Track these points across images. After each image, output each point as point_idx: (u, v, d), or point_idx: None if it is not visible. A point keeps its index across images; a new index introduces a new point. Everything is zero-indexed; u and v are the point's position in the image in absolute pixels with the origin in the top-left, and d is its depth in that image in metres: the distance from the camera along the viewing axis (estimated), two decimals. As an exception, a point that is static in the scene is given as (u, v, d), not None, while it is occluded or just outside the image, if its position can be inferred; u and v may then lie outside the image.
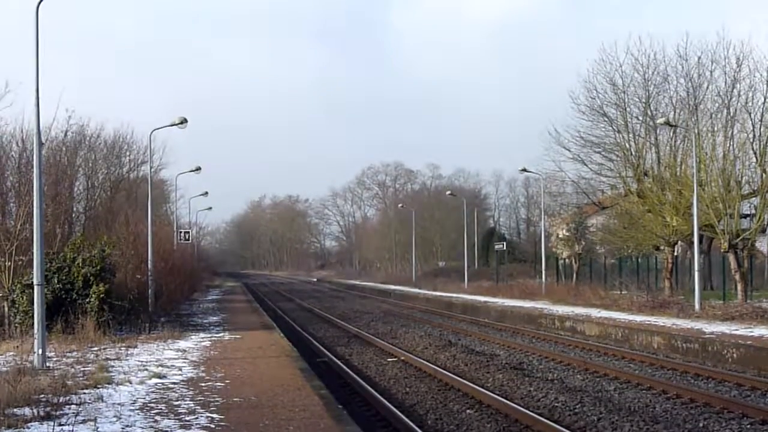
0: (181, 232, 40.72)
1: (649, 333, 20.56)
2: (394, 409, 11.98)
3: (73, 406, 10.57)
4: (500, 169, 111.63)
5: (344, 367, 17.17)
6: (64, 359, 15.74)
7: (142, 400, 11.27)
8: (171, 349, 17.71)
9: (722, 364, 16.96)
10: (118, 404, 10.91)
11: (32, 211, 15.61)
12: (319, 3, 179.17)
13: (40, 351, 14.31)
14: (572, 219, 43.93)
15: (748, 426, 11.09)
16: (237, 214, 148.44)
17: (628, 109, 35.50)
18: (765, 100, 29.16)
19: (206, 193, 49.34)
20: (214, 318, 28.20)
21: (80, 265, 20.25)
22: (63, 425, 9.30)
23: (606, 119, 35.83)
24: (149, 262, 26.40)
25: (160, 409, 10.61)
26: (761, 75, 29.81)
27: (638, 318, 24.48)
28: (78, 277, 20.05)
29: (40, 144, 14.90)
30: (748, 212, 30.88)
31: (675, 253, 34.62)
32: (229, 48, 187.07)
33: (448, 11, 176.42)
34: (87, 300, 19.89)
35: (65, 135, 34.19)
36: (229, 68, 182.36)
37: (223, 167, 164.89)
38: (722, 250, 28.38)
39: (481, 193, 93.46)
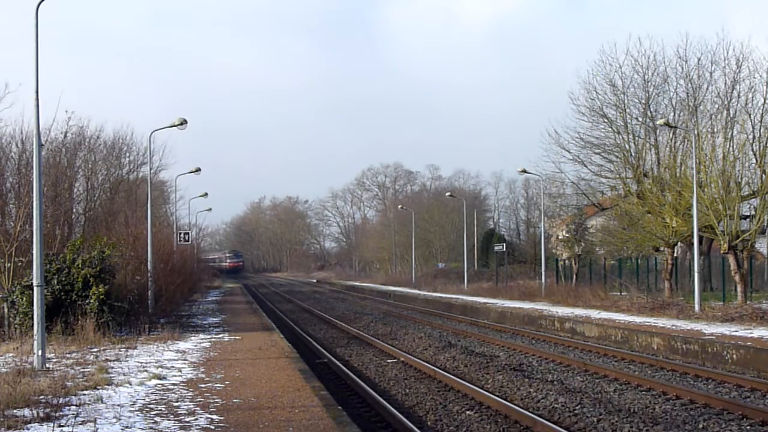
0: (180, 233, 40.70)
1: (649, 334, 20.56)
2: (394, 410, 11.97)
3: (72, 408, 10.57)
4: (500, 170, 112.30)
5: (344, 368, 17.15)
6: (63, 360, 15.73)
7: (142, 402, 11.27)
8: (171, 351, 17.71)
9: (722, 366, 16.97)
10: (118, 405, 10.91)
11: (32, 212, 15.61)
12: (319, 4, 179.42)
13: (40, 352, 14.31)
14: (572, 220, 43.95)
15: (748, 427, 11.09)
16: (237, 216, 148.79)
17: (627, 110, 35.61)
18: (765, 101, 29.23)
19: (206, 194, 49.33)
20: (214, 319, 28.20)
21: (80, 266, 20.25)
22: (62, 426, 9.29)
23: (606, 120, 35.90)
24: (149, 263, 26.38)
25: (160, 410, 10.61)
26: (761, 76, 29.92)
27: (638, 319, 24.49)
28: (78, 278, 20.05)
29: (40, 145, 14.90)
30: (748, 213, 30.88)
31: (675, 255, 34.61)
32: (229, 49, 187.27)
33: (447, 12, 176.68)
34: (87, 301, 19.89)
35: (65, 136, 34.30)
36: (228, 69, 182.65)
37: (222, 168, 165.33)
38: (722, 252, 28.37)
39: (481, 195, 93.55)
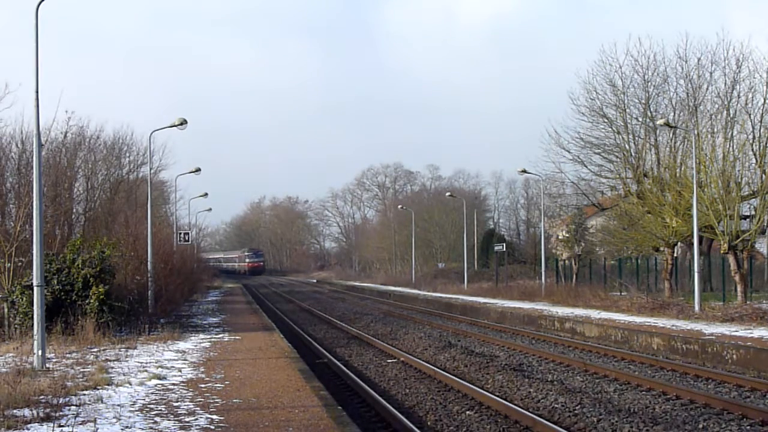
0: (180, 233, 40.70)
1: (649, 334, 20.56)
2: (394, 410, 11.97)
3: (72, 408, 10.57)
4: (500, 170, 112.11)
5: (344, 368, 17.16)
6: (63, 360, 15.74)
7: (142, 402, 11.28)
8: (171, 351, 17.71)
9: (722, 366, 16.97)
10: (118, 405, 10.91)
11: (32, 212, 15.61)
12: (319, 4, 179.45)
13: (40, 352, 14.32)
14: (572, 220, 43.96)
15: (748, 427, 11.10)
16: (237, 216, 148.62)
17: (627, 110, 35.63)
18: (765, 101, 29.25)
19: (206, 194, 49.33)
20: (214, 319, 28.20)
21: (80, 266, 20.26)
22: (62, 426, 9.29)
23: (606, 120, 35.92)
24: (149, 263, 26.39)
25: (160, 410, 10.61)
26: (761, 76, 29.96)
27: (638, 319, 24.49)
28: (78, 278, 20.06)
29: (40, 145, 14.90)
30: (748, 213, 30.89)
31: (675, 255, 34.62)
32: (229, 48, 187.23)
33: (447, 12, 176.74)
34: (87, 301, 19.90)
35: (65, 136, 34.27)
36: (228, 69, 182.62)
37: (222, 168, 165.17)
38: (722, 252, 28.38)
39: (481, 195, 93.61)
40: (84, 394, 11.63)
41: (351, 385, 15.24)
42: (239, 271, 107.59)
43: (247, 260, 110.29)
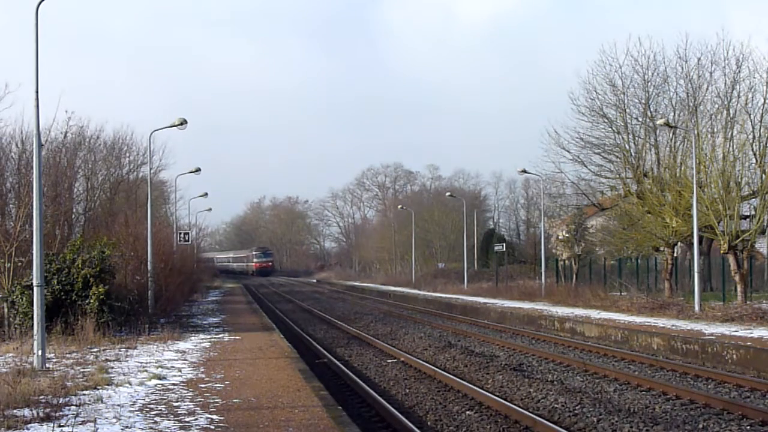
0: (180, 233, 40.70)
1: (649, 334, 20.56)
2: (394, 410, 11.97)
3: (72, 408, 10.58)
4: (500, 170, 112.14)
5: (344, 368, 17.16)
6: (63, 360, 15.74)
7: (142, 402, 11.28)
8: (170, 351, 17.71)
9: (722, 366, 16.97)
10: (118, 405, 10.92)
11: (32, 212, 15.62)
12: (318, 4, 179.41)
13: (40, 352, 14.32)
14: (572, 220, 43.94)
15: (748, 427, 11.10)
16: (237, 216, 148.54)
17: (627, 110, 35.58)
18: (765, 101, 29.21)
19: (206, 194, 49.32)
20: (214, 319, 28.20)
21: (80, 266, 20.26)
22: (62, 426, 9.30)
23: (606, 120, 35.89)
24: (149, 263, 26.40)
25: (160, 410, 10.62)
26: (761, 76, 29.90)
27: (638, 319, 24.49)
28: (78, 278, 20.06)
29: (40, 145, 14.91)
30: (748, 213, 30.88)
31: (675, 255, 34.61)
32: (229, 48, 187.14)
33: (446, 11, 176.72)
34: (87, 301, 19.90)
35: (65, 136, 34.33)
36: (228, 69, 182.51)
37: (222, 168, 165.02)
38: (722, 252, 28.37)
39: (481, 195, 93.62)
40: (84, 394, 11.64)
41: (351, 385, 15.24)
42: (248, 271, 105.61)
43: (255, 260, 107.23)
